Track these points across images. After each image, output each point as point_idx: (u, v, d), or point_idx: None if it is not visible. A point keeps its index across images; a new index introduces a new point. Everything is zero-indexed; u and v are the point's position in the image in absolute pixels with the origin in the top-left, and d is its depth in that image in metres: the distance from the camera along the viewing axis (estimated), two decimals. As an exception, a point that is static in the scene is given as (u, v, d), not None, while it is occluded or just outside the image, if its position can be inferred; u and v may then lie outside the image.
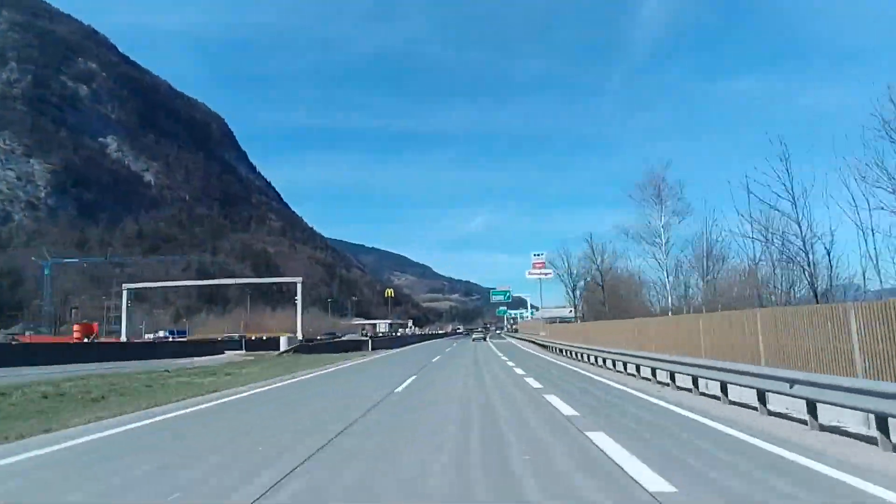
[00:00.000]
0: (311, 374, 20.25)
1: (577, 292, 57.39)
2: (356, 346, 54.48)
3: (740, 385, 9.09)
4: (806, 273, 17.58)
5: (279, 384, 16.28)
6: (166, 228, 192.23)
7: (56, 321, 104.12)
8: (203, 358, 39.01)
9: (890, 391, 5.70)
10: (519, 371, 19.85)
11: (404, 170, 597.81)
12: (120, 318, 71.67)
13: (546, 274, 61.97)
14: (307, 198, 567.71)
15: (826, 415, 7.40)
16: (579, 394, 12.22)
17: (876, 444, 6.11)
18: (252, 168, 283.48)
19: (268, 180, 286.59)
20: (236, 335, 74.18)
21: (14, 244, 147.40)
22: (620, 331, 20.24)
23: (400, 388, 14.10)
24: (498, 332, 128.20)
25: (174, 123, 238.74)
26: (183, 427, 8.76)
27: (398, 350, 49.54)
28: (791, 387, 7.38)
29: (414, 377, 17.92)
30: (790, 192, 17.93)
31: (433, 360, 29.33)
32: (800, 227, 17.64)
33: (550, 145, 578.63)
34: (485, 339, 75.82)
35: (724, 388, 9.81)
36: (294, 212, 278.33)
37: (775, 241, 18.59)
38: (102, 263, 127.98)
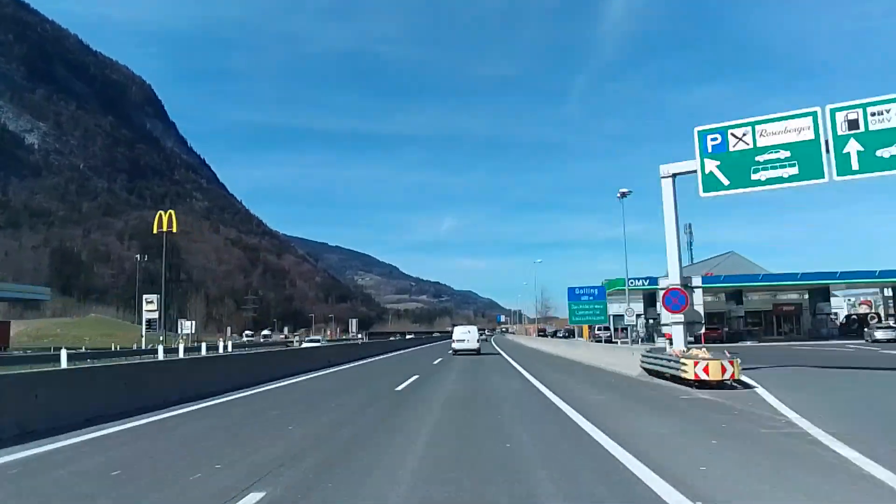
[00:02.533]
0: None
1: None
2: None
3: None
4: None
5: None
6: (44, 201, 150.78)
7: None
8: None
9: None
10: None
11: (370, 170, 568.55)
12: None
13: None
14: (268, 196, 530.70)
15: None
16: None
17: None
18: (182, 142, 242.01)
19: (202, 157, 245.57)
20: None
21: None
22: None
23: None
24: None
25: (77, 80, 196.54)
26: None
27: None
28: None
29: None
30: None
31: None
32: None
33: (517, 149, 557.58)
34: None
35: None
36: (230, 193, 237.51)
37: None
38: None
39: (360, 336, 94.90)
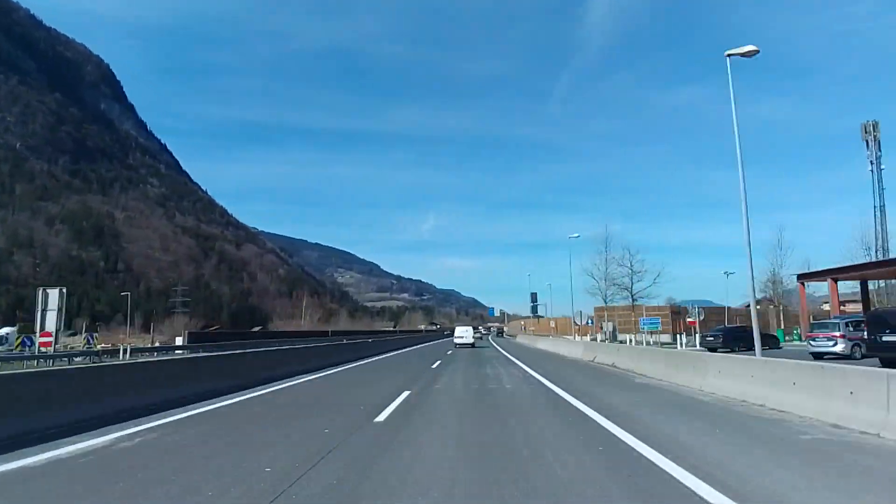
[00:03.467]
0: None
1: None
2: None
3: None
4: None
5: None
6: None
7: None
8: None
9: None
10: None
11: (354, 169, 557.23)
12: None
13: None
14: (250, 193, 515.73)
15: None
16: None
17: None
18: (142, 126, 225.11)
19: (163, 143, 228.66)
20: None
21: None
22: None
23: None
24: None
25: (22, 54, 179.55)
26: None
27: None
28: None
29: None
30: None
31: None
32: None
33: (502, 148, 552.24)
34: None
35: None
36: (193, 181, 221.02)
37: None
38: None
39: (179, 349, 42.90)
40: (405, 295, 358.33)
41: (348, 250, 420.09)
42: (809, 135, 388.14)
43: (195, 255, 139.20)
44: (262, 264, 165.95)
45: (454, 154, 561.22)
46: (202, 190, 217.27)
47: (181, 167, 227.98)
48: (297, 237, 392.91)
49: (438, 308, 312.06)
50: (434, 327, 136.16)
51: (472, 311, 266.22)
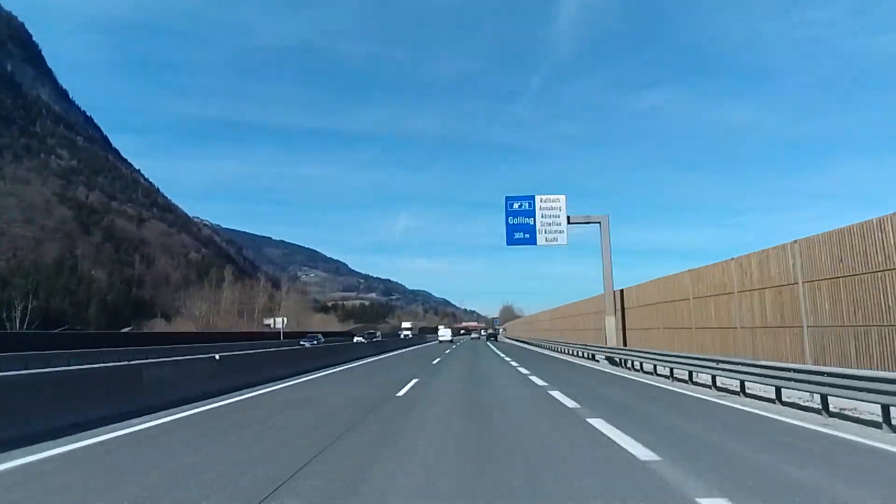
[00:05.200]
0: None
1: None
2: None
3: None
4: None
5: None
6: None
7: None
8: None
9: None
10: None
11: (323, 168, 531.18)
12: None
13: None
14: (212, 191, 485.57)
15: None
16: None
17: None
18: (64, 95, 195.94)
19: (87, 113, 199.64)
20: None
21: None
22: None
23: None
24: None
25: None
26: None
27: None
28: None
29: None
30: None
31: None
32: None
33: (473, 149, 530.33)
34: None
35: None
36: (123, 159, 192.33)
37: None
38: None
39: None
40: (373, 294, 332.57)
41: (315, 248, 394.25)
42: (772, 139, 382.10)
43: (70, 231, 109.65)
44: (165, 245, 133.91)
45: (424, 154, 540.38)
46: (130, 168, 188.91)
47: (109, 142, 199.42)
48: (261, 234, 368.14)
49: (407, 307, 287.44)
50: (375, 335, 68.16)
51: (442, 310, 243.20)
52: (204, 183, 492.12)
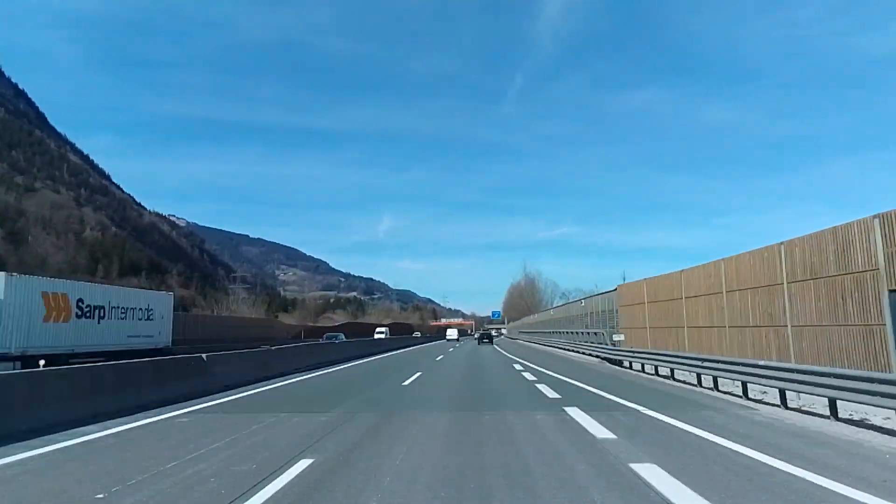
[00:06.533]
0: None
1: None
2: None
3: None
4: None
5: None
6: None
7: None
8: None
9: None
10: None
11: (305, 167, 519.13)
12: None
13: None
14: (193, 189, 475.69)
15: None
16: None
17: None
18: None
19: (19, 87, 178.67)
20: None
21: None
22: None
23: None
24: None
25: None
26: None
27: None
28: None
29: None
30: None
31: None
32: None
33: (457, 148, 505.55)
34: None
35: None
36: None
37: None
38: None
39: None
40: (354, 293, 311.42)
41: (295, 247, 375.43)
42: (752, 139, 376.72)
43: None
44: (45, 219, 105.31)
45: (407, 154, 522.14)
46: (66, 144, 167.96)
47: (45, 119, 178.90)
48: (239, 232, 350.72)
49: (388, 306, 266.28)
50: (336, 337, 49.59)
51: (423, 307, 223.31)
52: (182, 182, 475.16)
